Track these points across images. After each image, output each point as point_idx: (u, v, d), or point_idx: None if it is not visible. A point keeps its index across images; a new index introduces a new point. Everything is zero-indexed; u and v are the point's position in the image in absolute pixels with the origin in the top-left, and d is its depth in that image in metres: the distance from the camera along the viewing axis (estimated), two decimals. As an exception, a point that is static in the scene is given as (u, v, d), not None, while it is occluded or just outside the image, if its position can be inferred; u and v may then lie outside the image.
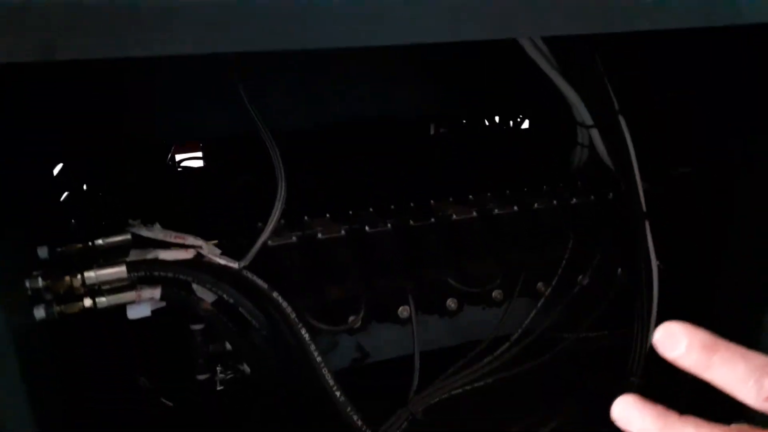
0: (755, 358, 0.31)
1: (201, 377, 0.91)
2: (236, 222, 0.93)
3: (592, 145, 0.99)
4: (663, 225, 0.98)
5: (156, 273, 0.76)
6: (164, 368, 0.96)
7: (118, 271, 0.74)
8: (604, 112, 0.90)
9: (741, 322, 0.98)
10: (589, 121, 0.93)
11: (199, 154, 1.44)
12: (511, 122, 1.44)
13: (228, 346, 0.91)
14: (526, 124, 1.45)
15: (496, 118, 1.42)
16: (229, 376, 0.89)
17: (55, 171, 1.07)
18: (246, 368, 0.89)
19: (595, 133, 0.94)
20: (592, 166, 1.03)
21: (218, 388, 0.90)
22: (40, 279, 0.72)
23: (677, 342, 0.32)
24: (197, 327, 0.90)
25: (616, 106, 0.89)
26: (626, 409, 0.34)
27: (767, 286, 0.91)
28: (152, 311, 0.82)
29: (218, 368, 0.90)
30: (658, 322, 0.98)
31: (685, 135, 1.03)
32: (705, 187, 1.02)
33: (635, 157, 0.91)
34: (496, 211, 0.99)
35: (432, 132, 1.41)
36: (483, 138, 1.37)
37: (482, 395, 0.88)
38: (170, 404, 0.95)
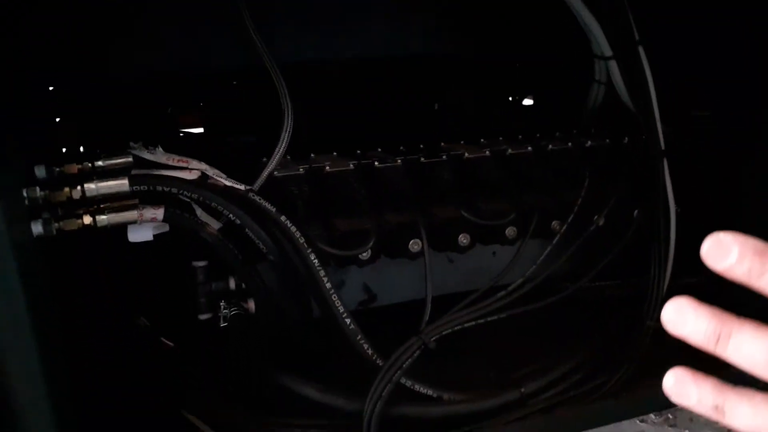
0: None
1: (203, 317, 0.88)
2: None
3: (608, 83, 0.96)
4: (680, 170, 0.95)
5: (159, 188, 0.73)
6: (165, 307, 0.92)
7: (120, 183, 0.71)
8: (624, 41, 0.87)
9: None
10: (608, 52, 0.90)
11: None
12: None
13: (231, 285, 0.88)
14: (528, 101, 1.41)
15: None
16: (233, 312, 0.85)
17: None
18: (250, 304, 0.86)
19: (613, 66, 0.91)
20: (609, 107, 1.00)
21: (221, 325, 0.86)
22: (38, 189, 0.68)
23: (728, 251, 0.29)
24: (199, 264, 0.87)
25: (636, 36, 0.87)
26: (679, 309, 0.31)
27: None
28: (154, 236, 0.79)
29: (221, 304, 0.87)
30: (675, 266, 0.96)
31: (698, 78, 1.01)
32: (724, 130, 1.00)
33: (654, 91, 0.88)
34: (510, 151, 0.97)
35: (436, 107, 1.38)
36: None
37: (495, 330, 0.85)
38: (170, 344, 0.91)
